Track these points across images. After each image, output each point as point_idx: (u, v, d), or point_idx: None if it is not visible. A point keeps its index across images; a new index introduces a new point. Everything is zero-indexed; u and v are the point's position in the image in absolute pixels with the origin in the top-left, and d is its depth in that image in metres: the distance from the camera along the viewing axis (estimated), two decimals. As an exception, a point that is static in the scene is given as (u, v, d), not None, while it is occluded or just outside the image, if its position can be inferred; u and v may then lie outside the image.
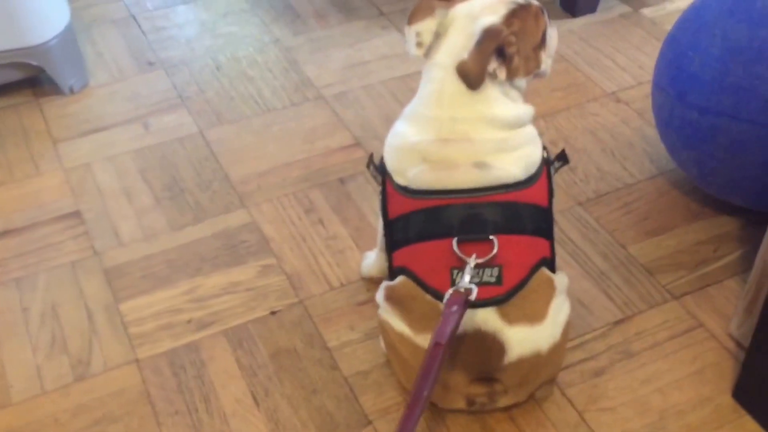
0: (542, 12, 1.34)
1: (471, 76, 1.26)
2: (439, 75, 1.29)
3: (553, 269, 1.32)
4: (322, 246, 1.73)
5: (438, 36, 1.30)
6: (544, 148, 1.35)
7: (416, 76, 2.09)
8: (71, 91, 2.16)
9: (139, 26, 2.42)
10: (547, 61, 1.38)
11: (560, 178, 1.87)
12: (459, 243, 1.24)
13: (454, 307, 1.19)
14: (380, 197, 1.35)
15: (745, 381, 1.42)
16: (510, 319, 1.25)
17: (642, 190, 1.85)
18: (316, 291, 1.63)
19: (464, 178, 1.27)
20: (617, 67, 2.22)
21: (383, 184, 1.34)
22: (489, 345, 1.25)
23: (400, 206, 1.31)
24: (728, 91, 1.54)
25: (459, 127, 1.28)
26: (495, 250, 1.24)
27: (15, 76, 2.13)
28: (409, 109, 1.34)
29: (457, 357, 1.26)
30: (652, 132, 1.94)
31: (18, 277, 1.67)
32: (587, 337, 1.54)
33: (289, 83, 2.19)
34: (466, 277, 1.22)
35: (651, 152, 1.93)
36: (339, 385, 1.46)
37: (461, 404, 1.33)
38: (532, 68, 1.33)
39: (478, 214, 1.26)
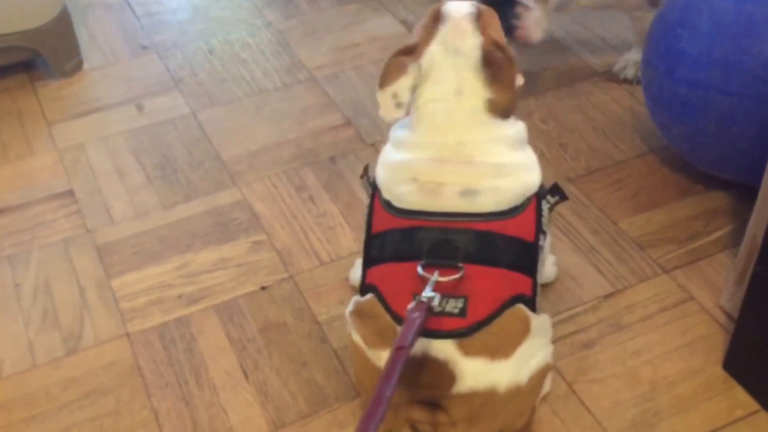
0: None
1: (508, 107, 1.27)
2: (442, 107, 1.25)
3: (532, 308, 1.25)
4: (313, 223, 1.73)
5: (418, 84, 1.26)
6: (541, 185, 1.31)
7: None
8: (65, 74, 2.17)
9: (133, 11, 2.43)
10: (519, 77, 1.34)
11: (551, 155, 1.87)
12: (425, 267, 1.19)
13: (416, 314, 1.14)
14: (367, 211, 1.32)
15: (735, 352, 1.42)
16: (468, 350, 1.19)
17: (633, 167, 1.85)
18: (306, 266, 1.64)
19: (447, 203, 1.23)
20: (608, 46, 2.22)
21: (372, 197, 1.31)
22: (439, 370, 1.19)
23: (382, 222, 1.28)
24: (716, 65, 1.54)
25: (465, 150, 1.24)
26: (459, 275, 1.18)
27: (10, 59, 2.13)
28: (402, 136, 1.30)
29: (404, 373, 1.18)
30: (642, 110, 1.94)
31: (11, 254, 1.68)
32: (577, 310, 1.54)
33: (281, 65, 2.20)
34: (428, 289, 1.17)
35: (641, 130, 1.94)
36: (328, 358, 1.47)
37: (406, 429, 1.27)
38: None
39: (450, 240, 1.21)
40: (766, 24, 1.49)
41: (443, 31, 1.25)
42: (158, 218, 1.75)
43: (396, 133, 1.32)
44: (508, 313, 1.21)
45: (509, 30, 1.71)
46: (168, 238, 1.70)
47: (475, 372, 1.19)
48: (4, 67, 2.14)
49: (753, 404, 1.38)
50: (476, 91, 1.25)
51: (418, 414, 1.23)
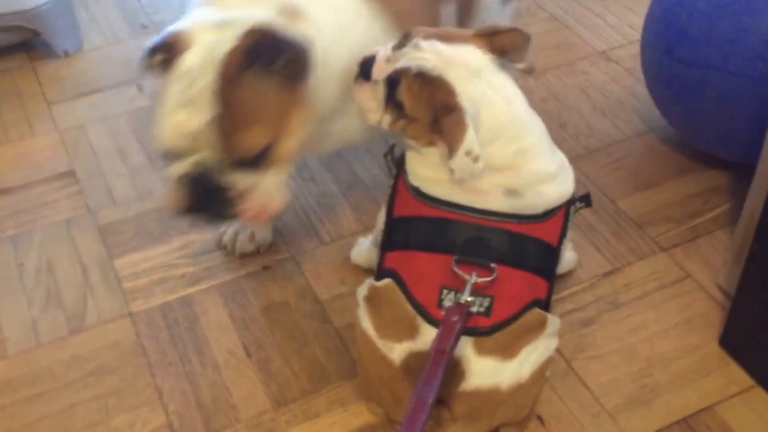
0: None
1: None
2: (504, 120, 1.21)
3: (548, 310, 1.27)
4: (314, 203, 1.74)
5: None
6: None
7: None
8: (66, 54, 2.17)
9: (132, -10, 2.43)
10: None
11: (551, 134, 1.86)
12: (458, 263, 1.20)
13: (455, 317, 1.15)
14: (389, 192, 1.31)
15: (732, 329, 1.44)
16: (482, 350, 1.20)
17: (632, 146, 1.86)
18: (308, 246, 1.65)
19: (489, 203, 1.22)
20: (607, 26, 2.23)
21: (396, 178, 1.30)
22: (450, 369, 1.18)
23: (407, 207, 1.26)
24: (715, 44, 1.55)
25: (522, 156, 1.23)
26: (493, 277, 1.19)
27: (10, 39, 2.14)
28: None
29: (413, 372, 1.20)
30: (642, 90, 1.95)
31: (13, 235, 1.69)
32: (576, 288, 1.56)
33: (281, 45, 2.19)
34: (467, 293, 1.17)
35: (641, 109, 1.95)
36: (330, 337, 1.48)
37: None
38: None
39: (485, 238, 1.21)
40: (765, 2, 1.50)
41: (454, 78, 1.18)
42: (160, 199, 1.76)
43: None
44: (525, 316, 1.23)
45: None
46: (170, 219, 1.71)
47: (484, 372, 1.21)
48: (3, 47, 2.15)
49: (748, 381, 1.40)
50: (514, 89, 1.25)
51: None
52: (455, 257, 1.21)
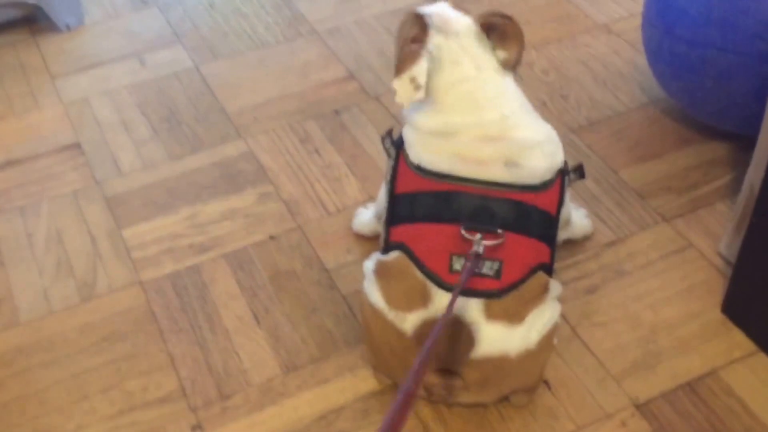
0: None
1: (514, 64, 1.32)
2: (473, 86, 1.28)
3: (549, 275, 1.30)
4: (319, 174, 1.76)
5: (434, 71, 1.28)
6: (566, 162, 1.34)
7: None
8: (67, 28, 2.18)
9: (133, -35, 2.43)
10: None
11: (552, 106, 1.90)
12: (466, 230, 1.23)
13: (469, 262, 1.20)
14: (390, 171, 1.34)
15: (734, 296, 1.46)
16: (491, 314, 1.23)
17: (633, 117, 1.88)
18: (314, 216, 1.67)
19: (490, 173, 1.26)
20: (611, 0, 2.24)
21: (396, 158, 1.33)
22: (460, 335, 1.22)
23: (410, 184, 1.29)
24: (715, 24, 1.56)
25: (509, 122, 1.28)
26: (501, 240, 1.23)
27: (12, 14, 2.14)
28: (437, 124, 1.30)
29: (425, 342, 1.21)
30: (642, 62, 1.96)
31: (22, 205, 1.71)
32: (580, 257, 1.58)
33: (282, 19, 2.21)
34: (477, 245, 1.21)
35: (642, 82, 1.96)
36: (337, 304, 1.50)
37: (420, 392, 1.27)
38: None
39: (490, 207, 1.25)
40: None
41: (433, 24, 1.29)
42: (166, 169, 1.77)
43: (424, 123, 1.31)
44: (532, 279, 1.26)
45: None
46: (176, 189, 1.72)
47: (493, 338, 1.23)
48: (6, 22, 2.15)
49: (750, 346, 1.42)
50: (492, 62, 1.30)
51: (435, 379, 1.26)
52: (463, 225, 1.23)
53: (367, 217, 1.58)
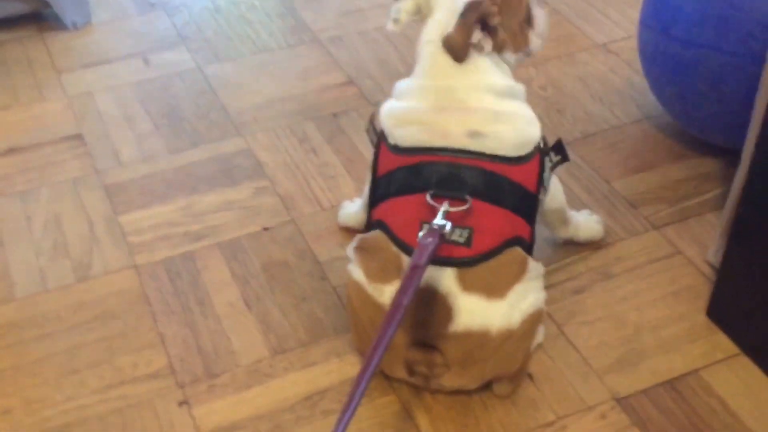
0: (528, 6, 1.37)
1: (456, 48, 1.28)
2: (430, 50, 1.31)
3: (529, 254, 1.30)
4: (315, 172, 1.79)
5: (425, 16, 1.34)
6: (543, 138, 1.36)
7: (411, 24, 2.15)
8: (74, 26, 2.22)
9: (142, -30, 2.48)
10: (536, 41, 1.40)
11: (548, 120, 1.93)
12: (433, 197, 1.24)
13: (429, 239, 1.18)
14: (372, 157, 1.37)
15: (718, 299, 1.48)
16: (466, 285, 1.23)
17: (627, 132, 1.90)
18: (308, 211, 1.69)
19: (455, 141, 1.28)
20: (608, 20, 2.28)
21: (378, 145, 1.36)
22: (437, 307, 1.23)
23: (388, 164, 1.32)
24: (710, 23, 1.59)
25: (456, 95, 1.30)
26: (467, 206, 1.23)
27: (21, 9, 2.19)
28: (403, 85, 1.36)
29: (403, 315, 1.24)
30: (639, 80, 2.00)
31: (22, 190, 1.74)
32: (568, 260, 1.60)
33: (285, 26, 2.25)
34: (439, 217, 1.21)
35: (638, 99, 1.99)
36: (328, 294, 1.52)
37: (401, 372, 1.30)
38: (521, 44, 1.37)
39: (458, 174, 1.26)
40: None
41: None
42: (165, 162, 1.80)
43: (399, 84, 1.38)
44: (507, 252, 1.27)
45: None
46: (174, 181, 1.75)
47: (472, 310, 1.23)
48: (14, 17, 2.20)
49: (733, 348, 1.44)
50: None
51: (414, 354, 1.27)
52: (430, 192, 1.25)
53: (353, 209, 1.61)
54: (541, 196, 1.37)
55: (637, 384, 1.38)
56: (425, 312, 1.24)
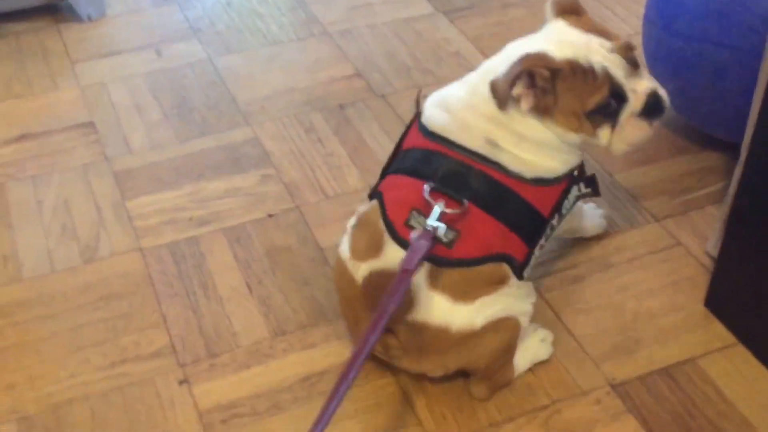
0: (603, 89, 1.29)
1: (496, 94, 1.26)
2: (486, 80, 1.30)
3: (519, 275, 1.29)
4: (320, 161, 1.81)
5: None
6: (581, 166, 1.36)
7: (420, 19, 2.18)
8: (89, 18, 2.26)
9: (156, -37, 2.51)
10: (617, 144, 1.34)
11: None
12: (432, 192, 1.24)
13: (422, 241, 1.18)
14: (404, 129, 1.38)
15: (716, 290, 1.49)
16: (436, 283, 1.23)
17: (631, 125, 1.91)
18: (312, 199, 1.72)
19: (474, 142, 1.28)
20: (616, 17, 2.29)
21: (412, 120, 1.37)
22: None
23: (412, 141, 1.33)
24: (712, 18, 1.61)
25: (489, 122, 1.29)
26: (461, 210, 1.23)
27: (37, 1, 2.24)
28: (472, 75, 1.35)
29: (371, 290, 1.26)
30: (644, 74, 2.00)
31: (34, 175, 1.78)
32: (568, 249, 1.61)
33: (296, 20, 2.28)
34: (433, 218, 1.21)
35: (642, 93, 2.00)
36: (329, 279, 1.54)
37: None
38: (576, 128, 1.30)
39: (465, 175, 1.26)
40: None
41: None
42: (174, 150, 1.83)
43: (472, 72, 1.36)
44: (490, 266, 1.26)
45: None
46: (182, 168, 1.78)
47: (433, 307, 1.23)
48: (30, 9, 2.24)
49: (730, 338, 1.45)
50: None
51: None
52: (431, 185, 1.25)
53: None
54: (554, 222, 1.34)
55: (632, 371, 1.40)
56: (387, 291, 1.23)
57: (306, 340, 1.44)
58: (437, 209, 1.22)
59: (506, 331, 1.30)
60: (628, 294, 1.53)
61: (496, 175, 1.27)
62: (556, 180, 1.32)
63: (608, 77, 1.28)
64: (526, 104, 1.27)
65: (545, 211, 1.31)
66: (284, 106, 1.96)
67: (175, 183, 1.75)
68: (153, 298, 1.51)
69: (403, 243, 1.23)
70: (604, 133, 1.32)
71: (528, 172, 1.29)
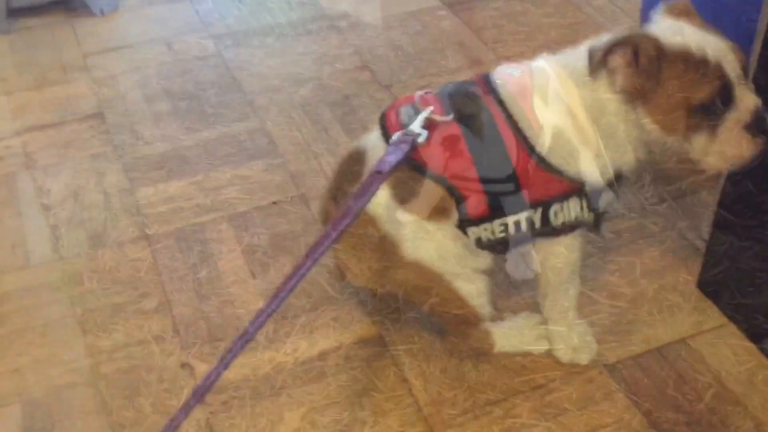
0: (714, 83, 1.17)
1: (592, 60, 1.19)
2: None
3: (461, 225, 1.26)
4: (325, 150, 1.85)
5: None
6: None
7: (428, 11, 2.21)
8: (101, 12, 2.31)
9: (168, -41, 2.56)
10: (714, 155, 1.20)
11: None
12: (427, 94, 1.26)
13: (402, 145, 1.17)
14: None
15: (707, 272, 1.52)
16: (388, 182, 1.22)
17: (632, 113, 1.93)
18: (317, 186, 1.75)
19: (503, 91, 1.24)
20: (621, 11, 2.31)
21: None
22: (360, 176, 1.23)
23: None
24: (707, 7, 1.62)
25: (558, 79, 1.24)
26: (449, 118, 1.21)
27: (50, -6, 2.29)
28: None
29: (344, 166, 1.31)
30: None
31: (44, 165, 1.83)
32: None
33: (305, 14, 2.32)
34: (417, 124, 1.20)
35: (644, 82, 2.02)
36: (332, 267, 1.58)
37: (322, 217, 1.35)
38: (670, 126, 1.19)
39: (475, 99, 1.23)
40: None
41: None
42: (182, 140, 1.88)
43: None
44: (436, 188, 1.23)
45: None
46: (190, 158, 1.83)
47: (380, 202, 1.24)
48: (44, 3, 2.29)
49: (722, 318, 1.48)
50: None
51: (329, 207, 1.32)
52: (425, 90, 1.27)
53: None
54: (529, 215, 1.26)
55: (626, 351, 1.43)
56: (352, 175, 1.27)
57: (308, 324, 1.48)
58: (423, 114, 1.21)
59: (432, 276, 1.28)
60: (622, 276, 1.56)
61: (501, 123, 1.21)
62: (568, 174, 1.23)
63: (721, 73, 1.16)
64: (621, 80, 1.18)
65: (527, 185, 1.23)
66: (291, 98, 2.01)
67: (182, 172, 1.79)
68: (158, 283, 1.56)
69: (384, 129, 1.26)
70: (699, 140, 1.19)
71: (543, 148, 1.21)
